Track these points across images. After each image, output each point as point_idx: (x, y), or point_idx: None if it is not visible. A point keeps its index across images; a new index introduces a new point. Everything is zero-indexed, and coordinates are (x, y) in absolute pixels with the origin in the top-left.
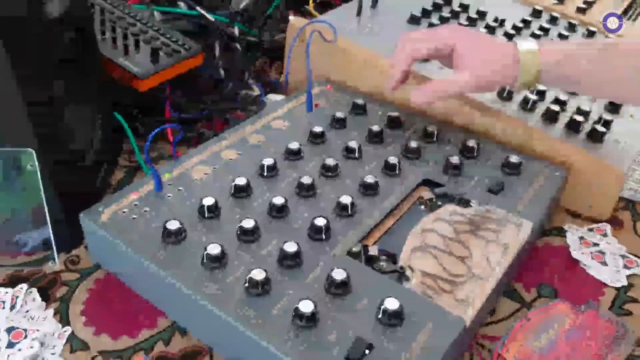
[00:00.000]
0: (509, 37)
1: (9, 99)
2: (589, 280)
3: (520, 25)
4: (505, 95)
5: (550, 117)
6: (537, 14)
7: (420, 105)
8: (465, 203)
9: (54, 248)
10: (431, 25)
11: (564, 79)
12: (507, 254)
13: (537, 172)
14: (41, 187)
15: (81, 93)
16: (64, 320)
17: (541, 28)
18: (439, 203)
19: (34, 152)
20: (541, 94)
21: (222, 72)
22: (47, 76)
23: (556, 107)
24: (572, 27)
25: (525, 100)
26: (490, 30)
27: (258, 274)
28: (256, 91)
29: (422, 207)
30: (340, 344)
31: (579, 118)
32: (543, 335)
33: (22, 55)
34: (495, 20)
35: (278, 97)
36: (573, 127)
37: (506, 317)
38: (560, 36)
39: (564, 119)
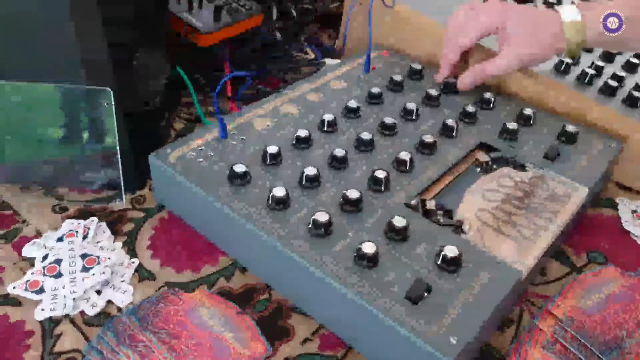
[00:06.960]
0: (550, 5)
1: (92, 39)
2: (639, 250)
3: None
4: (563, 68)
5: (607, 92)
6: None
7: (467, 89)
8: (521, 167)
9: (122, 187)
10: None
11: (610, 44)
12: (562, 216)
13: (592, 142)
14: (115, 126)
15: (151, 42)
16: (132, 252)
17: None
18: (495, 166)
19: (111, 91)
20: (598, 70)
21: (278, 34)
22: (128, 21)
23: (614, 83)
24: None
25: (583, 74)
26: None
27: (321, 216)
28: (312, 55)
29: (478, 169)
30: (400, 284)
31: (637, 93)
32: (593, 295)
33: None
34: None
35: (334, 61)
36: (630, 101)
37: (556, 279)
38: None
39: (621, 94)
